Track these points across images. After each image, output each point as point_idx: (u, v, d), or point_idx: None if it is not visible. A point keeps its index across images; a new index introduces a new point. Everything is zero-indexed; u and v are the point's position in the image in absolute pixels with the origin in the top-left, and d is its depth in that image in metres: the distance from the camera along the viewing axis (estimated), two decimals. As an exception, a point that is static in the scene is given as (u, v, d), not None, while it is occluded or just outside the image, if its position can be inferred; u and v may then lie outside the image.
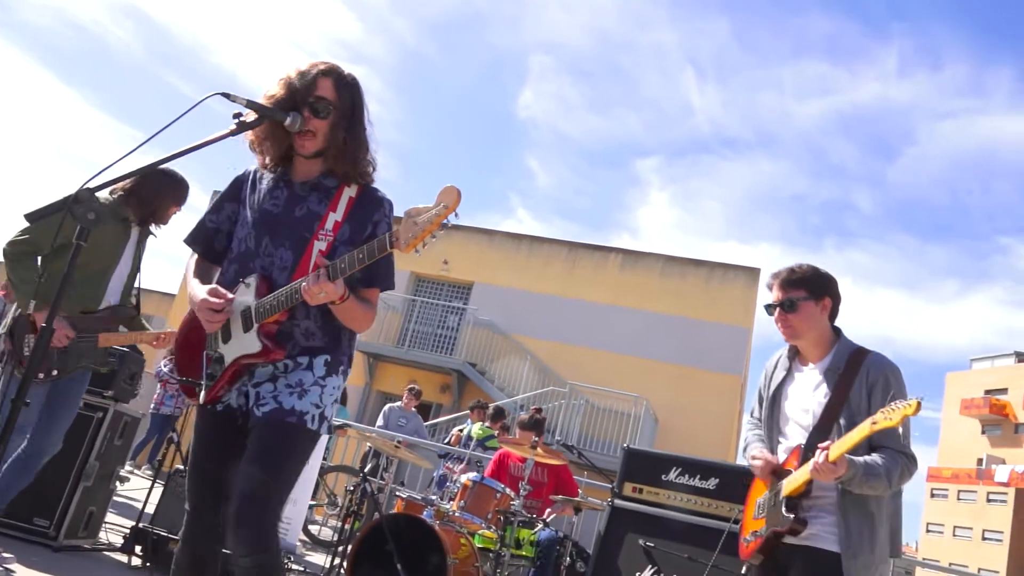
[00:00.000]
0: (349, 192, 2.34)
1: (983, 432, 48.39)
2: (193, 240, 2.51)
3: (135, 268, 3.96)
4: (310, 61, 2.38)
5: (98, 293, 3.77)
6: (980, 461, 47.09)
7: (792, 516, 2.63)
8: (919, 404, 2.33)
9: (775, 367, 3.06)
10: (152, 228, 4.03)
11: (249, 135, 2.34)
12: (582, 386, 15.22)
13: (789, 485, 2.69)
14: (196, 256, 2.53)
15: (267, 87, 2.36)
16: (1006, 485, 44.41)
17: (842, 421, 2.69)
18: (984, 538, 45.48)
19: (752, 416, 3.16)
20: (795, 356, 2.98)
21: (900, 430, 2.59)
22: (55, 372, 3.66)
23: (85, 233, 1.93)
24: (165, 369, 10.60)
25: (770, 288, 2.95)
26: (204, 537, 2.31)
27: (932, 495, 50.65)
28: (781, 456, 2.86)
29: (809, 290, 2.84)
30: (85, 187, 1.92)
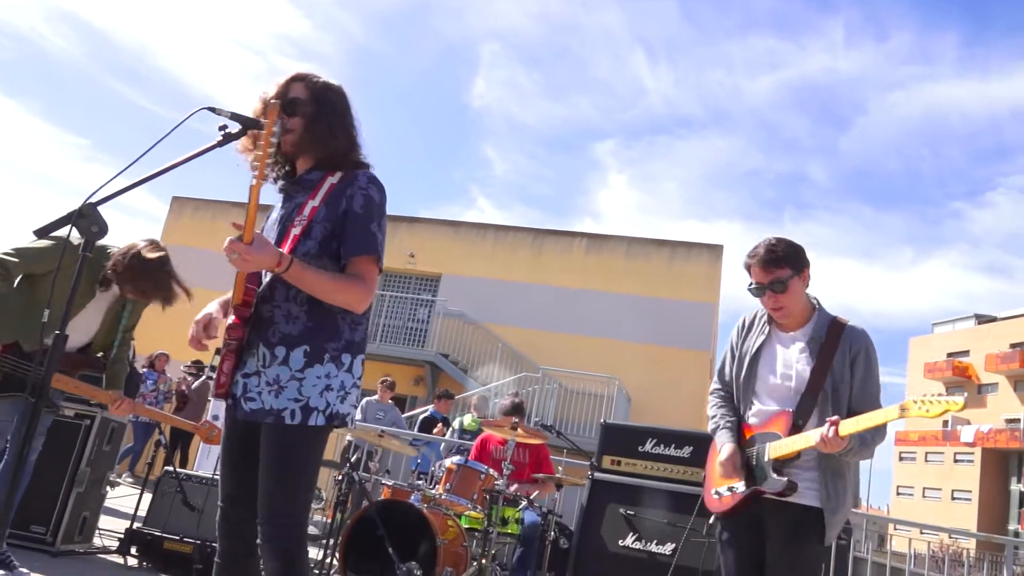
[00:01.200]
0: (332, 180, 2.44)
1: (948, 394, 49.53)
2: None
3: (109, 325, 3.87)
4: (286, 73, 2.54)
5: (35, 328, 3.56)
6: (946, 423, 48.19)
7: (786, 480, 2.73)
8: (965, 404, 2.38)
9: (749, 327, 3.10)
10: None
11: (246, 156, 2.43)
12: (555, 370, 15.44)
13: (779, 449, 2.78)
14: None
15: (248, 103, 2.52)
16: (972, 445, 45.62)
17: (827, 388, 2.80)
18: (953, 498, 46.65)
19: (721, 379, 3.18)
20: (772, 321, 3.03)
21: (878, 397, 2.76)
22: None
23: (90, 246, 2.05)
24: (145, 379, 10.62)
25: (748, 269, 2.94)
26: (237, 528, 2.40)
27: (900, 458, 51.79)
28: (757, 419, 2.94)
29: (792, 266, 2.86)
30: (88, 202, 2.05)
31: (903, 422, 51.98)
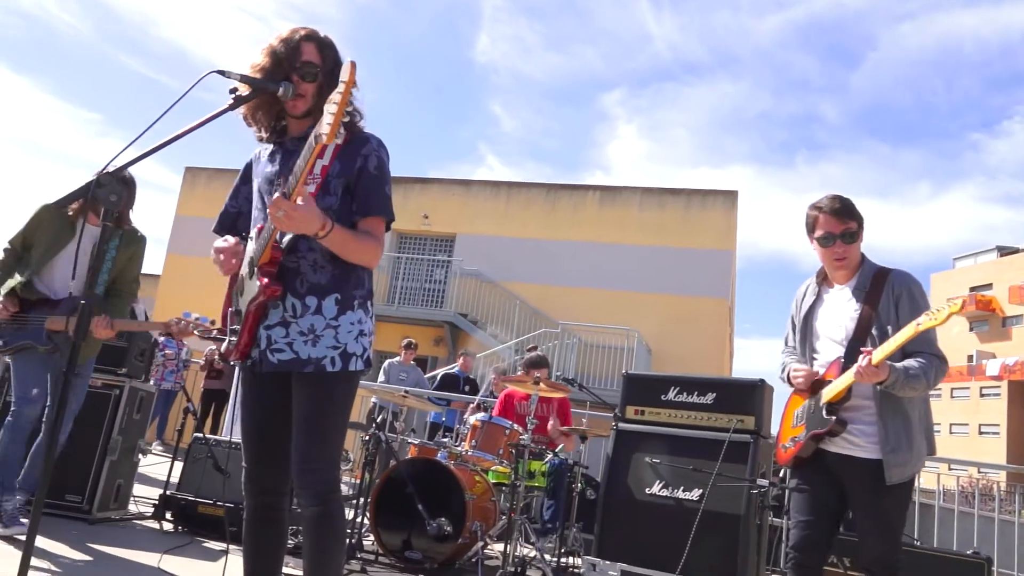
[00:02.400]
0: (337, 140, 2.45)
1: (971, 329, 49.27)
2: (219, 227, 2.61)
3: (98, 261, 4.07)
4: (290, 28, 2.49)
5: (33, 277, 4.00)
6: (970, 358, 48.03)
7: (833, 418, 2.91)
8: (964, 302, 2.63)
9: (804, 295, 3.26)
10: (127, 227, 4.17)
11: (242, 110, 2.44)
12: (574, 325, 15.46)
13: (830, 392, 2.95)
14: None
15: (251, 57, 2.46)
16: (998, 379, 45.47)
17: (874, 332, 2.93)
18: (981, 433, 46.66)
19: (787, 345, 3.37)
20: (823, 280, 3.20)
21: (932, 335, 2.87)
22: (1, 342, 3.99)
23: (111, 215, 2.06)
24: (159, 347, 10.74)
25: (813, 220, 3.07)
26: (263, 486, 2.44)
27: (927, 396, 51.77)
28: (819, 371, 3.10)
29: (859, 220, 3.04)
30: (104, 171, 2.05)
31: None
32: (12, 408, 4.02)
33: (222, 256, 2.40)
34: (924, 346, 2.86)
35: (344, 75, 2.03)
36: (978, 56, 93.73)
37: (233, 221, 2.62)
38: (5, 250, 4.10)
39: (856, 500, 2.94)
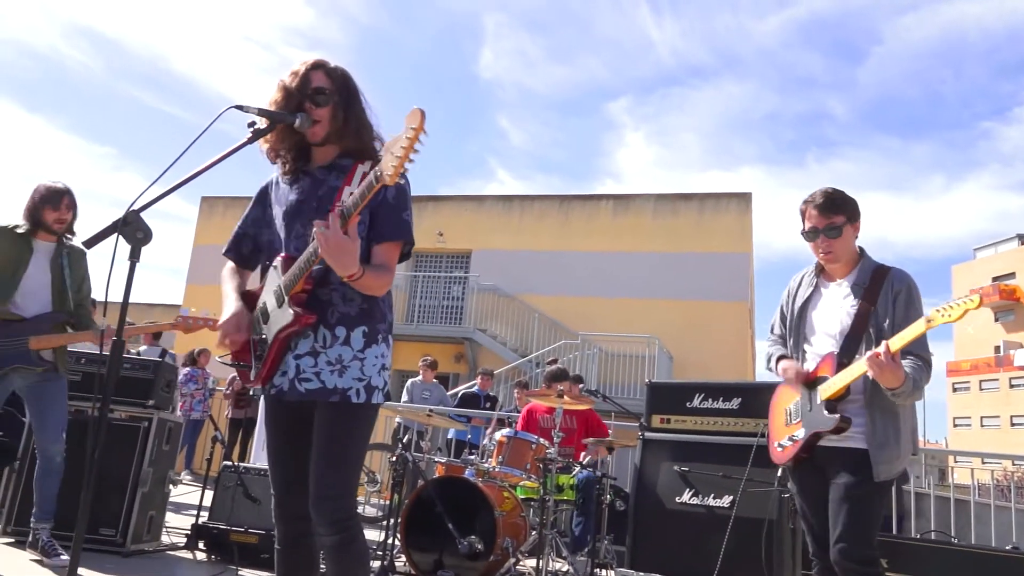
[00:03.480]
0: (363, 168, 2.44)
1: (996, 319, 48.78)
2: (226, 250, 2.67)
3: (58, 278, 4.24)
4: (300, 61, 2.54)
5: (5, 300, 4.09)
6: (997, 349, 47.53)
7: (837, 416, 2.83)
8: (981, 300, 2.47)
9: (799, 285, 3.22)
10: (69, 239, 4.33)
11: (264, 146, 2.49)
12: (593, 335, 15.45)
13: (828, 389, 2.88)
14: (229, 264, 2.68)
15: (261, 88, 2.52)
16: (1027, 367, 44.91)
17: (871, 329, 2.90)
18: (1013, 424, 46.10)
19: (772, 333, 3.32)
20: (820, 273, 3.16)
21: (926, 335, 2.77)
22: None
23: (136, 252, 2.09)
24: (185, 377, 10.81)
25: (803, 214, 3.06)
26: (293, 512, 2.46)
27: (954, 389, 51.20)
28: (809, 366, 3.05)
29: (847, 214, 3.00)
30: (131, 209, 2.08)
31: (953, 353, 51.43)
32: None
33: (224, 333, 2.45)
34: (918, 347, 2.77)
35: (414, 122, 2.03)
36: (984, 44, 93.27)
37: (238, 242, 2.67)
38: None
39: (836, 489, 2.85)
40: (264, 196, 2.66)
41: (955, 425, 50.61)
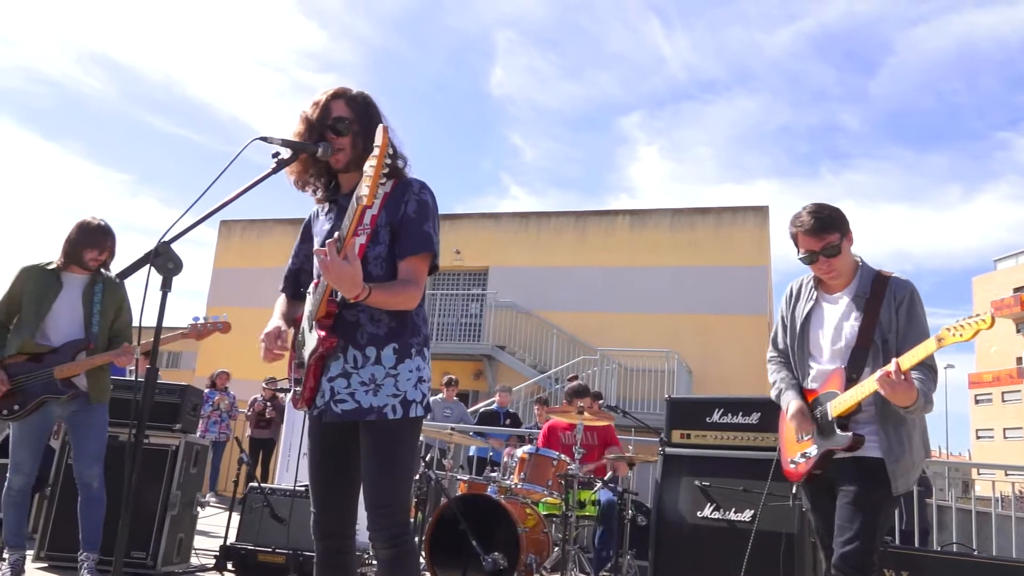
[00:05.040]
0: (384, 189, 2.51)
1: (1018, 331, 48.17)
2: (283, 287, 2.77)
3: (89, 310, 4.26)
4: (321, 91, 2.63)
5: (31, 336, 4.15)
6: (1019, 360, 46.92)
7: (851, 434, 2.80)
8: (993, 319, 2.41)
9: (797, 296, 3.18)
10: (104, 272, 4.36)
11: (292, 177, 2.58)
12: (612, 350, 15.46)
13: (840, 406, 2.84)
14: (282, 296, 2.77)
15: (290, 126, 2.61)
16: (1050, 380, 44.34)
17: (876, 340, 2.88)
18: (1035, 436, 45.51)
19: (776, 347, 3.29)
20: (819, 284, 3.12)
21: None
22: (16, 408, 4.10)
23: (168, 283, 2.17)
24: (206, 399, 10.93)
25: (794, 238, 3.01)
26: (331, 530, 2.53)
27: (977, 401, 50.60)
28: (815, 383, 3.04)
29: (840, 229, 2.94)
30: (163, 241, 2.17)
31: (975, 364, 50.84)
32: (8, 475, 4.15)
33: (263, 345, 2.51)
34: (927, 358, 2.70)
35: (377, 139, 2.12)
36: (998, 54, 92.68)
37: (294, 276, 2.76)
38: None
39: (846, 495, 2.83)
40: (307, 230, 2.75)
41: (978, 437, 49.99)
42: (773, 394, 3.21)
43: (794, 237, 3.03)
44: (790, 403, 3.05)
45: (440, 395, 9.92)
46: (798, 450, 3.06)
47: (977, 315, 2.43)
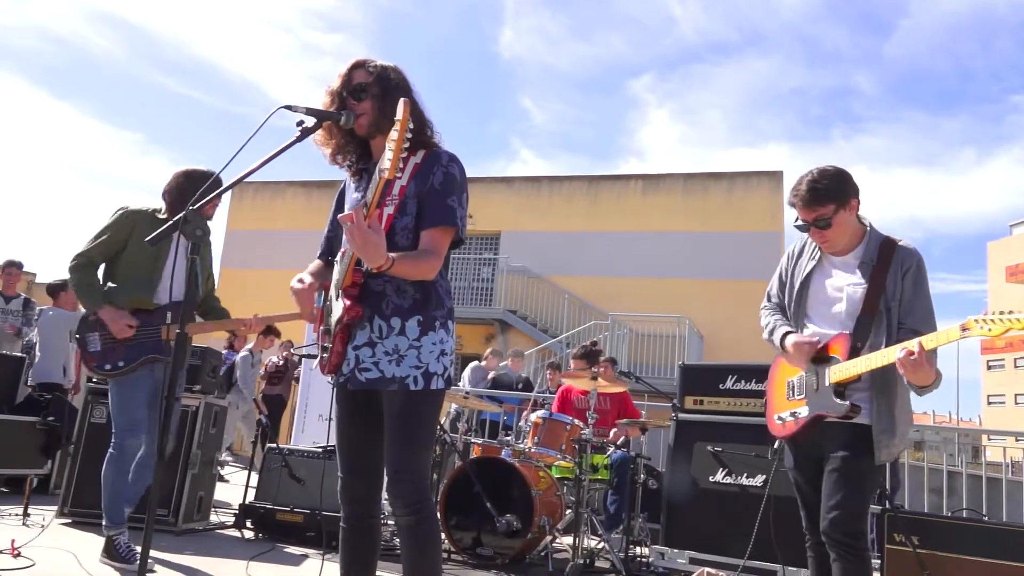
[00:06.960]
0: (415, 159, 2.53)
1: (1031, 298, 47.98)
2: (320, 253, 2.79)
3: (192, 271, 4.14)
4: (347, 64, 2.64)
5: (148, 291, 3.95)
6: (1033, 326, 46.72)
7: (848, 404, 2.76)
8: None
9: (799, 254, 3.13)
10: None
11: (324, 149, 2.60)
12: (624, 315, 15.49)
13: (840, 373, 2.78)
14: (317, 260, 2.78)
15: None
16: (1061, 345, 44.20)
17: (882, 309, 2.82)
18: (1048, 401, 45.52)
19: (769, 301, 3.24)
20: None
21: (934, 317, 2.76)
22: (121, 364, 3.89)
23: (198, 248, 2.21)
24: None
25: (793, 206, 2.96)
26: (357, 494, 2.58)
27: (988, 367, 50.58)
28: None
29: (836, 200, 2.85)
30: (191, 208, 2.20)
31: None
32: (114, 440, 3.90)
33: (295, 298, 2.54)
34: (925, 327, 2.70)
35: (399, 113, 2.14)
36: (1015, 17, 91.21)
37: (329, 244, 2.79)
38: (80, 264, 3.93)
39: (834, 461, 2.80)
40: (340, 199, 2.78)
41: (989, 403, 50.02)
42: (765, 335, 3.14)
43: (792, 206, 2.99)
44: (788, 335, 2.98)
45: (482, 362, 10.03)
46: (788, 408, 2.99)
47: (1011, 312, 2.27)
